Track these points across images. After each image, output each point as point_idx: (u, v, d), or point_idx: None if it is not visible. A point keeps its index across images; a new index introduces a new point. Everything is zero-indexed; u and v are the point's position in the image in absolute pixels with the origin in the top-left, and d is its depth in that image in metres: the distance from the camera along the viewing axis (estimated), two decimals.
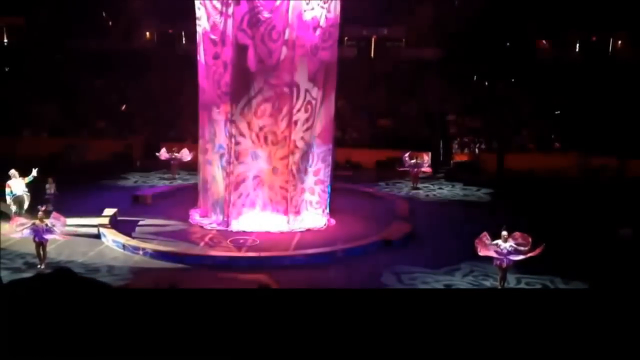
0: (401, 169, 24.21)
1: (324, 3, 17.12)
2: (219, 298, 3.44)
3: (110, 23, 39.40)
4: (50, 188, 18.69)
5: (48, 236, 14.06)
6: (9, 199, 17.27)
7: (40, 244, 14.04)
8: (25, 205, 17.22)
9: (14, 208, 17.18)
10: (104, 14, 38.91)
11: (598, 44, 37.47)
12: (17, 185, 17.32)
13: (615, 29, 36.04)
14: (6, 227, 15.77)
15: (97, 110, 32.29)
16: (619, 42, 37.58)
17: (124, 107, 32.83)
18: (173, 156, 24.78)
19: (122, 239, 15.90)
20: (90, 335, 2.70)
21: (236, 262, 14.95)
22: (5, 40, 39.65)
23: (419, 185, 23.97)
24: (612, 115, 28.34)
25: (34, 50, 35.54)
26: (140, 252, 15.23)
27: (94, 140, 29.75)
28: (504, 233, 12.72)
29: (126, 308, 3.01)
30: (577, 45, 37.94)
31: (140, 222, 18.10)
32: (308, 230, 17.68)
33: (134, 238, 16.31)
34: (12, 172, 17.53)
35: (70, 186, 19.83)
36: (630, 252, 15.56)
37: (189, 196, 19.93)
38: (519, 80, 33.48)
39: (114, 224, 17.20)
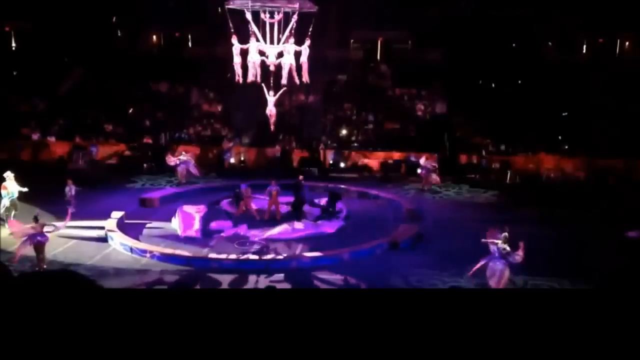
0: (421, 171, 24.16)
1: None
2: (220, 298, 3.44)
3: (118, 27, 39.66)
4: (70, 190, 18.80)
5: (43, 238, 14.05)
6: (6, 200, 17.28)
7: (37, 247, 14.07)
8: (18, 208, 17.31)
9: (8, 210, 17.22)
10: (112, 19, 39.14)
11: (605, 45, 37.36)
12: (14, 186, 17.36)
13: (623, 30, 35.90)
14: (6, 231, 15.82)
15: (105, 114, 32.42)
16: (627, 43, 37.44)
17: (131, 110, 32.96)
18: (184, 158, 24.76)
19: (130, 242, 15.94)
20: (92, 336, 2.70)
21: (243, 266, 14.94)
22: (14, 45, 39.87)
23: (426, 188, 23.87)
24: (620, 117, 28.21)
25: (42, 53, 35.77)
26: (148, 255, 15.26)
27: (102, 143, 29.88)
28: (505, 234, 12.77)
29: (127, 309, 3.01)
30: (584, 46, 37.82)
31: (148, 225, 18.16)
32: (314, 233, 17.72)
33: (141, 241, 16.34)
34: (8, 173, 17.53)
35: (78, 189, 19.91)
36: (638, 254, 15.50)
37: (197, 200, 20.02)
38: (526, 82, 33.42)
39: (121, 226, 17.25)
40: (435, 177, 23.92)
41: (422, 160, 24.16)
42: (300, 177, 20.62)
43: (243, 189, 19.64)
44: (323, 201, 20.45)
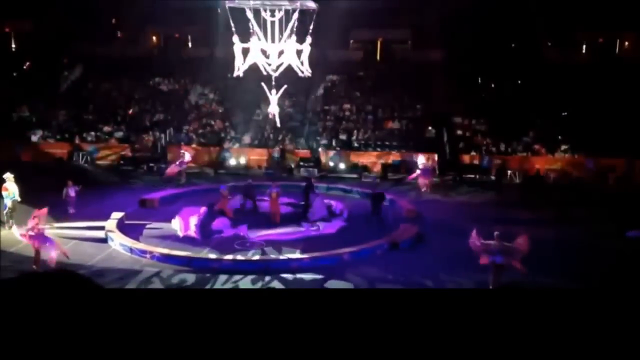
0: (412, 177, 24.20)
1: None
2: (220, 298, 3.45)
3: (118, 27, 39.71)
4: (70, 191, 18.63)
5: (46, 243, 13.98)
6: (8, 201, 17.24)
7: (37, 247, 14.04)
8: (16, 209, 17.29)
9: (9, 211, 17.18)
10: (112, 19, 39.18)
11: (605, 45, 37.37)
12: (14, 188, 17.33)
13: (623, 29, 35.91)
14: (6, 232, 15.75)
15: (104, 115, 32.41)
16: (626, 43, 37.45)
17: (130, 110, 32.95)
18: (182, 159, 24.71)
19: (129, 242, 15.93)
20: (93, 337, 2.70)
21: (243, 266, 14.92)
22: (13, 46, 39.90)
23: (424, 189, 23.81)
24: (620, 116, 28.22)
25: (42, 54, 35.80)
26: (148, 256, 15.25)
27: (102, 144, 29.88)
28: (497, 233, 12.87)
29: (127, 309, 3.02)
30: (584, 46, 37.83)
31: (148, 226, 18.15)
32: (316, 233, 17.72)
33: (141, 242, 16.34)
34: (7, 175, 17.48)
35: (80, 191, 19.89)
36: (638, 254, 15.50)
37: (196, 200, 20.02)
38: (526, 82, 33.42)
39: (121, 227, 17.24)
40: (432, 179, 24.03)
41: (420, 161, 24.23)
42: (312, 178, 20.62)
43: (222, 190, 19.51)
44: (334, 203, 20.34)
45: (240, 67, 17.79)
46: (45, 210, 14.46)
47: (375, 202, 19.51)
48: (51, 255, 13.78)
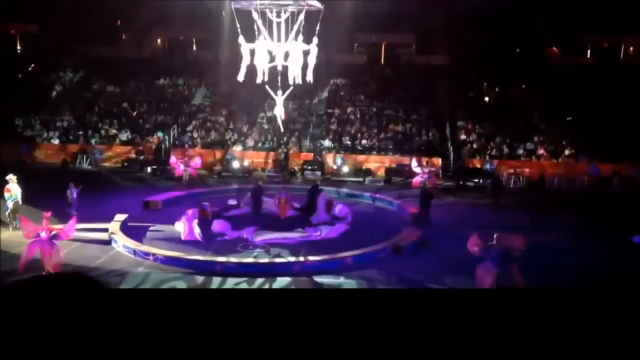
0: (415, 180, 24.19)
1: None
2: (221, 298, 3.45)
3: (123, 30, 39.82)
4: (72, 192, 18.63)
5: (52, 243, 13.91)
6: (10, 203, 17.25)
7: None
8: (19, 211, 17.29)
9: (10, 212, 17.19)
10: (117, 22, 39.30)
11: (610, 50, 37.35)
12: (16, 189, 17.35)
13: (628, 33, 35.87)
14: (7, 233, 15.76)
15: (109, 117, 32.48)
16: (631, 48, 37.41)
17: (135, 113, 33.02)
18: (185, 162, 24.71)
19: (133, 244, 15.94)
20: (95, 337, 2.71)
21: (246, 269, 14.91)
22: (19, 48, 40.06)
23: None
24: (624, 121, 28.16)
25: (47, 57, 35.92)
26: (151, 258, 15.25)
27: (106, 146, 29.95)
28: (496, 235, 12.93)
29: (137, 309, 3.03)
30: (589, 50, 37.81)
31: (151, 228, 18.15)
32: (318, 237, 17.70)
33: (144, 243, 16.35)
34: (10, 176, 17.49)
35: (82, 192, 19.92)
36: None
37: (199, 202, 20.02)
38: (530, 86, 33.41)
39: (125, 229, 17.25)
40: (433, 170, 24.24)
41: (412, 165, 24.36)
42: (318, 181, 20.60)
43: (206, 208, 19.13)
44: (338, 207, 20.26)
45: (244, 74, 17.66)
46: (49, 213, 14.44)
47: (424, 200, 19.48)
48: (57, 257, 13.77)
